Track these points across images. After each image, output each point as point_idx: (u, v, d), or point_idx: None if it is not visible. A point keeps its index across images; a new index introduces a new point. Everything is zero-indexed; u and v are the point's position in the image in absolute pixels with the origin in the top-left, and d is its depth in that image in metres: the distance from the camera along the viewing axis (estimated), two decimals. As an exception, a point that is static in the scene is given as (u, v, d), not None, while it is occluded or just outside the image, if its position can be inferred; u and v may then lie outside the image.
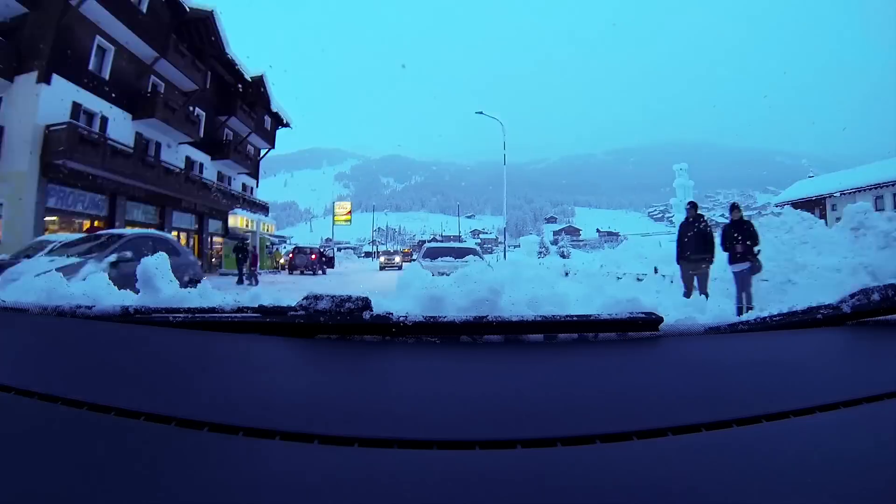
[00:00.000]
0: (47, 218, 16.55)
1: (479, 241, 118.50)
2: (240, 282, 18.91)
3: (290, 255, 29.59)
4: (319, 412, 0.65)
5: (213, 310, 1.13)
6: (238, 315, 1.09)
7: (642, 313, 1.04)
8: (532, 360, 0.94)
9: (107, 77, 19.08)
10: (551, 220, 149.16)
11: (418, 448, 0.56)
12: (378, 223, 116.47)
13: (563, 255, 48.03)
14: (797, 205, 34.98)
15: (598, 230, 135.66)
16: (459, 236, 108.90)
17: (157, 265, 1.43)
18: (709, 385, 0.79)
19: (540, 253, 46.31)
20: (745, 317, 1.18)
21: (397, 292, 1.59)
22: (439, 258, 10.26)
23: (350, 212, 47.32)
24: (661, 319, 1.03)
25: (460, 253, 10.82)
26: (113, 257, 6.97)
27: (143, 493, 0.47)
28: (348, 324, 0.98)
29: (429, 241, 17.29)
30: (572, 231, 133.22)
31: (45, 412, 0.65)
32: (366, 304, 1.00)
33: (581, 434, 0.58)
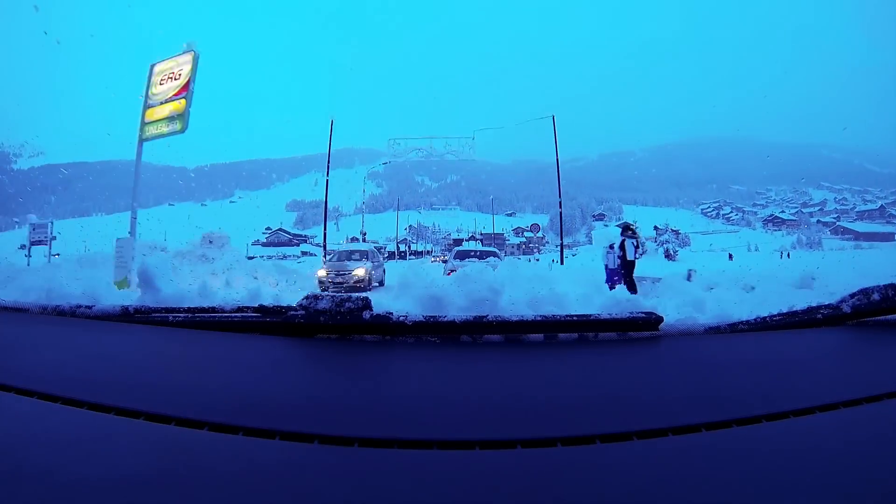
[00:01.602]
0: None
1: (523, 239, 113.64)
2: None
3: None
4: (319, 412, 0.65)
5: (212, 309, 1.13)
6: (238, 315, 1.09)
7: (642, 313, 1.04)
8: (532, 360, 0.94)
9: None
10: (600, 217, 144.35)
11: (418, 448, 0.56)
12: (411, 221, 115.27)
13: (668, 256, 36.78)
14: None
15: (655, 227, 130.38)
16: (502, 234, 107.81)
17: (156, 265, 1.44)
18: (709, 385, 0.79)
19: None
20: (745, 317, 1.17)
21: (397, 292, 1.56)
22: (466, 259, 13.42)
23: (184, 102, 10.63)
24: (661, 319, 1.03)
25: (483, 255, 14.07)
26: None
27: (143, 493, 0.47)
28: (348, 324, 0.98)
29: (458, 246, 21.03)
30: (627, 226, 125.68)
31: (45, 412, 0.65)
32: (366, 303, 1.00)
33: (581, 434, 0.58)
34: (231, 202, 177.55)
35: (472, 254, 14.65)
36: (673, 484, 0.50)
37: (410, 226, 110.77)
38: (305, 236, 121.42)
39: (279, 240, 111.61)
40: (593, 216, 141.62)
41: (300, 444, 0.56)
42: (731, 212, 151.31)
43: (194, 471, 0.52)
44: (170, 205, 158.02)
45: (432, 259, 28.81)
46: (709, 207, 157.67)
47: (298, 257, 79.69)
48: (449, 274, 11.29)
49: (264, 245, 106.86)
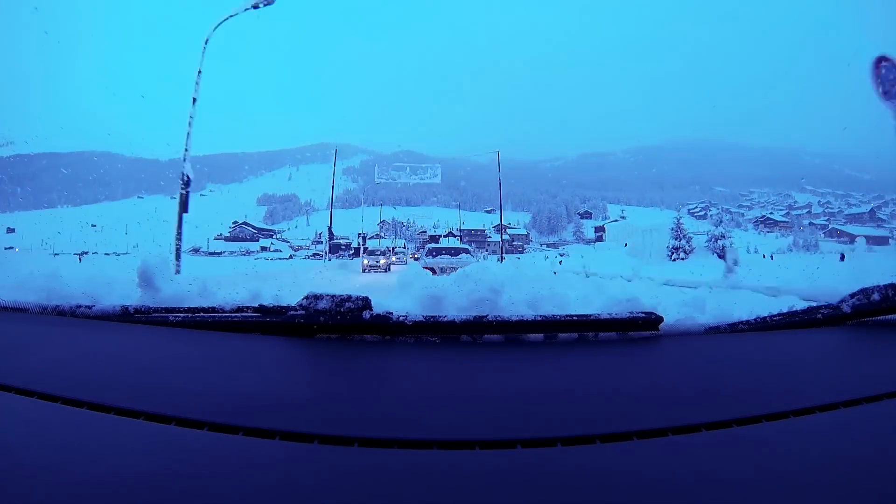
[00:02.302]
0: None
1: (507, 236, 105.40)
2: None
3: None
4: (319, 412, 0.65)
5: (212, 309, 1.13)
6: (238, 314, 1.09)
7: (642, 313, 1.04)
8: (532, 360, 0.94)
9: None
10: (586, 215, 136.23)
11: (418, 448, 0.56)
12: (385, 217, 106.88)
13: (722, 256, 27.61)
14: None
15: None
16: (483, 230, 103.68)
17: (157, 265, 1.44)
18: (709, 385, 0.79)
19: (675, 251, 29.18)
20: (745, 317, 1.17)
21: (397, 292, 1.57)
22: (438, 256, 13.91)
23: None
24: (661, 319, 1.03)
25: (455, 252, 14.57)
26: None
27: (143, 493, 0.47)
28: (348, 323, 0.98)
29: (431, 243, 20.91)
30: None
31: (45, 412, 0.65)
32: (366, 303, 1.00)
33: (581, 434, 0.58)
34: (202, 195, 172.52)
35: (444, 251, 14.89)
36: (673, 484, 0.50)
37: (383, 221, 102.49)
38: (272, 231, 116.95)
39: (243, 234, 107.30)
40: (579, 214, 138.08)
41: (300, 444, 0.56)
42: (719, 213, 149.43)
43: (194, 471, 0.51)
44: (139, 197, 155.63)
45: (366, 262, 22.35)
46: (696, 208, 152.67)
47: (256, 253, 74.98)
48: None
49: (227, 240, 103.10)
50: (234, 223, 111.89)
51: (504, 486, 0.49)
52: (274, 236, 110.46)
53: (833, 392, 0.73)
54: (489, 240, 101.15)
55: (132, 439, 0.58)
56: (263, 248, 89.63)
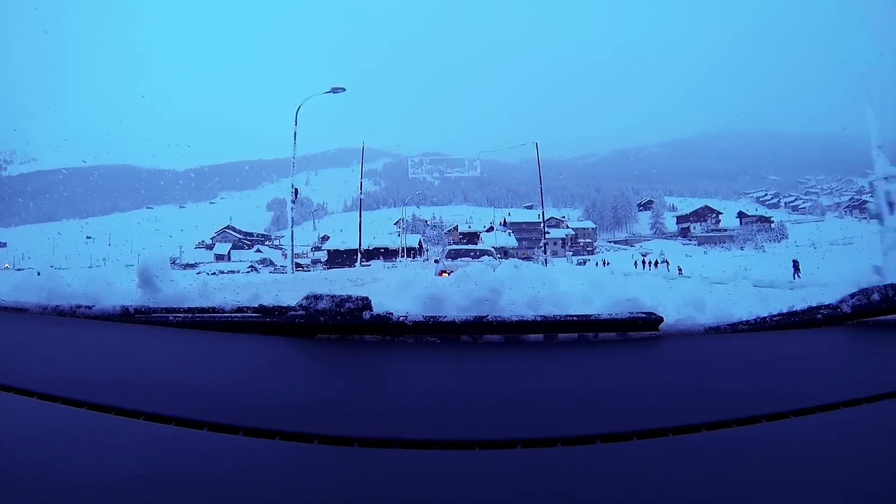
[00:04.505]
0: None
1: (571, 231, 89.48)
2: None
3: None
4: (319, 412, 0.65)
5: (212, 309, 1.13)
6: (238, 315, 1.10)
7: (642, 313, 1.04)
8: (532, 360, 0.95)
9: None
10: (648, 205, 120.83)
11: (418, 448, 0.56)
12: (407, 216, 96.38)
13: None
14: None
15: (740, 214, 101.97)
16: (538, 224, 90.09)
17: (157, 265, 1.45)
18: (709, 385, 0.80)
19: None
20: (745, 317, 1.17)
21: (397, 292, 1.56)
22: (458, 258, 12.63)
23: None
24: (661, 319, 1.03)
25: (477, 254, 13.29)
26: None
27: (143, 493, 0.47)
28: (348, 324, 0.98)
29: (462, 243, 21.04)
30: (707, 213, 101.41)
31: (45, 412, 0.65)
32: (366, 303, 1.00)
33: (581, 434, 0.58)
34: (211, 203, 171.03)
35: (465, 253, 13.42)
36: (673, 484, 0.50)
37: (401, 219, 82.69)
38: (265, 236, 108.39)
39: (226, 240, 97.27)
40: (639, 205, 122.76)
41: (300, 444, 0.56)
42: (795, 199, 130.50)
43: (194, 471, 0.51)
44: (148, 208, 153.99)
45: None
46: (765, 196, 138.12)
47: (202, 265, 59.87)
48: (440, 275, 10.02)
49: (209, 248, 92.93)
50: (227, 229, 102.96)
51: (504, 486, 0.49)
52: (266, 242, 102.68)
53: (833, 392, 0.74)
54: (548, 236, 76.45)
55: (132, 439, 0.58)
56: (220, 258, 79.64)
